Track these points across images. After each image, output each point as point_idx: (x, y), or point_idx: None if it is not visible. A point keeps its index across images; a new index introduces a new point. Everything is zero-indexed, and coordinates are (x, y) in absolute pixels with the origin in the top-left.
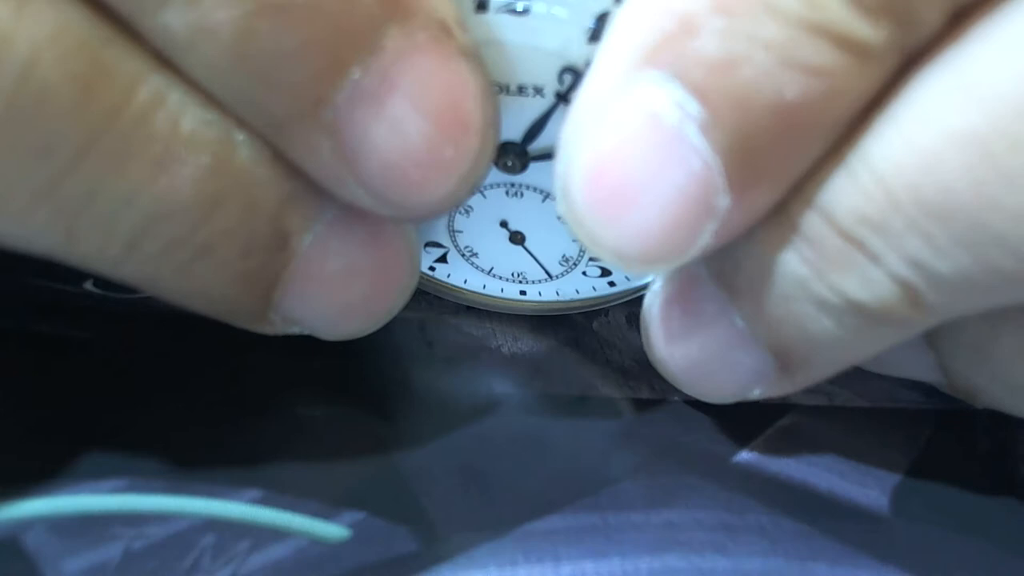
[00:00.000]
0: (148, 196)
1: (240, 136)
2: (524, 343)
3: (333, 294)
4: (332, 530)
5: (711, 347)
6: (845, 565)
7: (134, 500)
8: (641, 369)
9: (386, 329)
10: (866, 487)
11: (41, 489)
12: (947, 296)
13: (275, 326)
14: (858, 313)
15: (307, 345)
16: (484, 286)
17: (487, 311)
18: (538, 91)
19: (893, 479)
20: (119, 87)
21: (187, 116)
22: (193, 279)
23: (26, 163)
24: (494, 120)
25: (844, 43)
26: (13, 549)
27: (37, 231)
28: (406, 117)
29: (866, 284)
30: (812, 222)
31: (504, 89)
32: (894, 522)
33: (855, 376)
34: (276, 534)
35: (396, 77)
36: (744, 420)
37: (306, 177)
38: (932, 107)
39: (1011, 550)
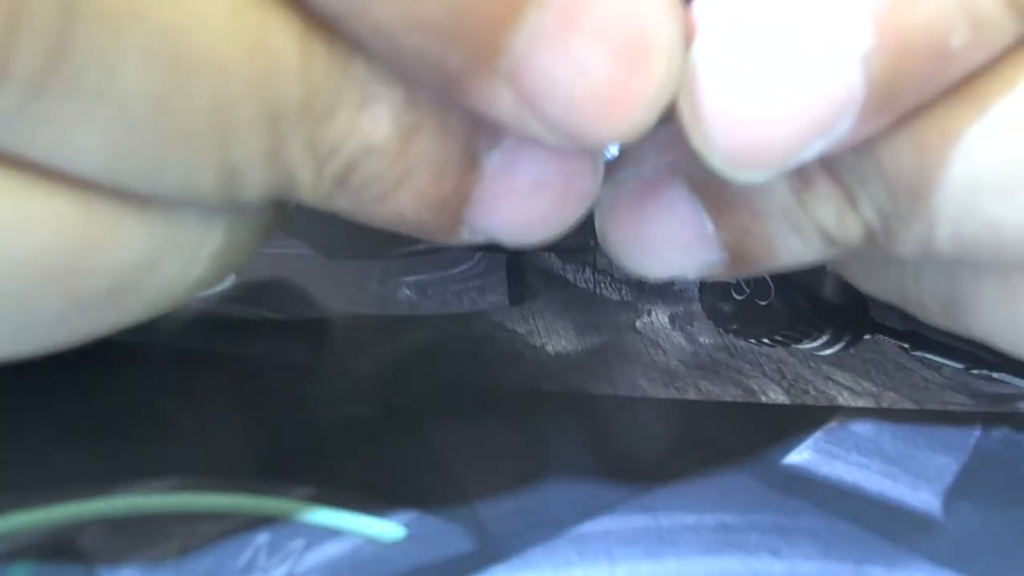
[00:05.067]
0: (353, 139)
1: None
2: (568, 342)
3: (521, 207)
4: (387, 529)
5: (671, 240)
6: (900, 568)
7: (188, 499)
8: (687, 370)
9: (429, 326)
10: (917, 489)
11: (95, 489)
12: (911, 249)
13: (464, 237)
14: (825, 238)
15: (353, 343)
16: None
17: (529, 309)
18: None
19: (943, 482)
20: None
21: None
22: (390, 207)
23: (256, 131)
24: (679, 36)
25: (1014, 2)
26: (69, 550)
27: (260, 186)
28: (587, 53)
29: (841, 220)
30: (811, 165)
31: None
32: (947, 525)
33: (901, 378)
34: (330, 532)
35: (574, 12)
36: (791, 422)
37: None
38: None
39: None
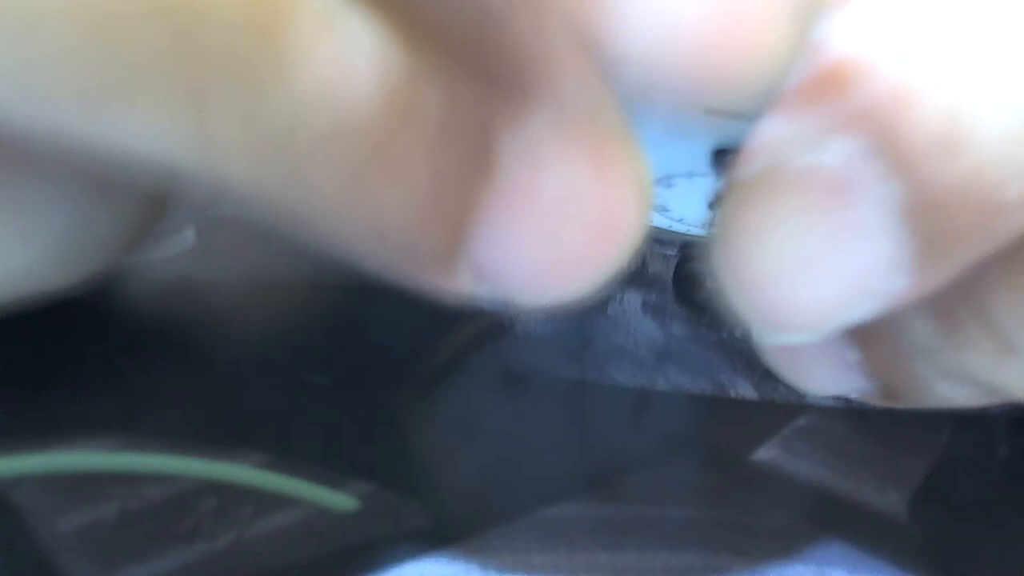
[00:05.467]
0: (316, 69)
1: None
2: (540, 325)
3: (543, 232)
4: (340, 500)
5: (817, 363)
6: (863, 570)
7: (131, 459)
8: (656, 360)
9: (395, 299)
10: (884, 492)
11: (32, 445)
12: None
13: (461, 282)
14: (979, 387)
15: (317, 312)
16: None
17: None
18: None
19: (911, 483)
20: None
21: None
22: (369, 207)
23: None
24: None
25: None
26: (2, 506)
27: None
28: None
29: (997, 370)
30: (959, 306)
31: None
32: (912, 527)
33: None
34: (281, 501)
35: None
36: (760, 419)
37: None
38: None
39: None
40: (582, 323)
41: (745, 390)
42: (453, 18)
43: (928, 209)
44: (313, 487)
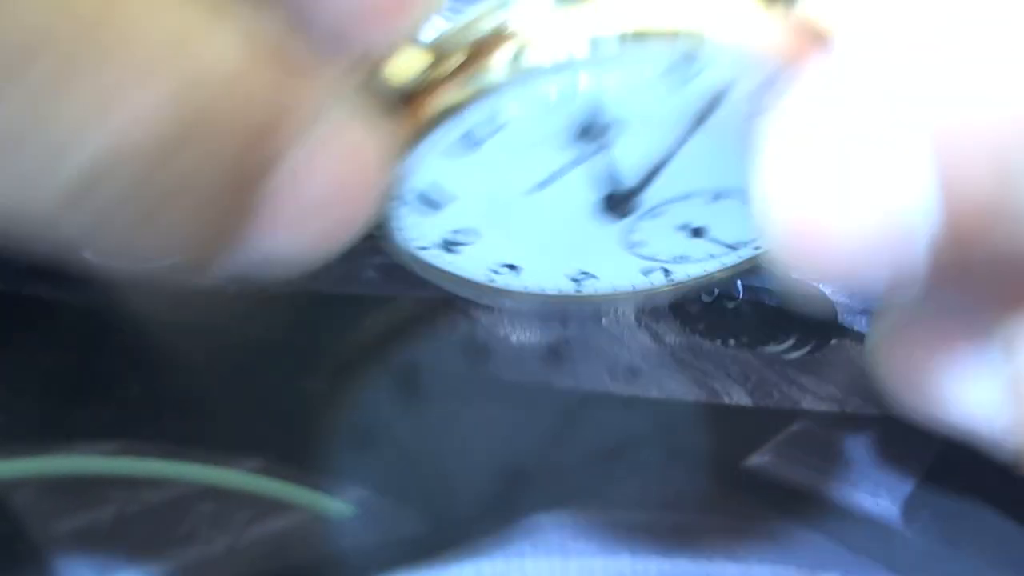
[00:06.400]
0: (105, 127)
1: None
2: (532, 333)
3: (298, 231)
4: (336, 505)
5: (957, 395)
6: (856, 575)
7: (129, 463)
8: (650, 369)
9: (392, 308)
10: (877, 496)
11: (32, 449)
12: None
13: (214, 277)
14: None
15: (314, 320)
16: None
17: None
18: None
19: (904, 488)
20: None
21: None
22: (146, 237)
23: None
24: None
25: None
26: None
27: None
28: None
29: None
30: None
31: None
32: (905, 532)
33: (866, 383)
34: (277, 506)
35: None
36: (755, 425)
37: (298, 68)
38: None
39: None
40: (578, 333)
41: (739, 397)
42: None
43: (956, 244)
44: (308, 493)
